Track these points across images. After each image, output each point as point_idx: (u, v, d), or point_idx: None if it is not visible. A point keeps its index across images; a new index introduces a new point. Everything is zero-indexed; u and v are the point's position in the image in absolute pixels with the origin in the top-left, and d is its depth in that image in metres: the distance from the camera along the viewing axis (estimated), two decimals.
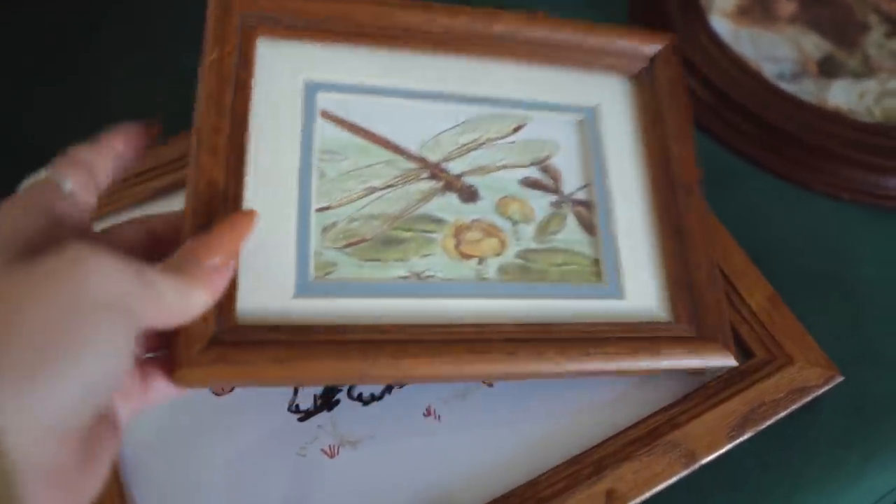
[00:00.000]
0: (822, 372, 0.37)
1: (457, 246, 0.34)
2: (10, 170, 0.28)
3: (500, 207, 0.35)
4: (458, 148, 0.36)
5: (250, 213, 0.28)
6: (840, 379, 0.36)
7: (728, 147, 0.48)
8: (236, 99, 0.31)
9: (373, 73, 0.35)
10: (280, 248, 0.31)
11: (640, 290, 0.35)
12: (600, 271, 0.35)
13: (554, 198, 0.36)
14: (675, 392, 0.36)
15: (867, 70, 0.51)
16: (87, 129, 0.28)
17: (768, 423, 0.35)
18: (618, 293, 0.35)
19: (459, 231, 0.34)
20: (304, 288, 0.30)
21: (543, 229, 0.35)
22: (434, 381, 0.34)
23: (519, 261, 0.34)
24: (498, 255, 0.34)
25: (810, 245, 0.44)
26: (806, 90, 0.49)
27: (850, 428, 0.37)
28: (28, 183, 0.25)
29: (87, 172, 0.26)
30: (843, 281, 0.43)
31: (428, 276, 0.33)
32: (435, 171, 0.35)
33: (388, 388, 0.36)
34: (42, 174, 0.26)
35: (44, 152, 0.27)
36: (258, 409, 0.35)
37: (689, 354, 0.33)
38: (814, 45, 0.51)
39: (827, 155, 0.46)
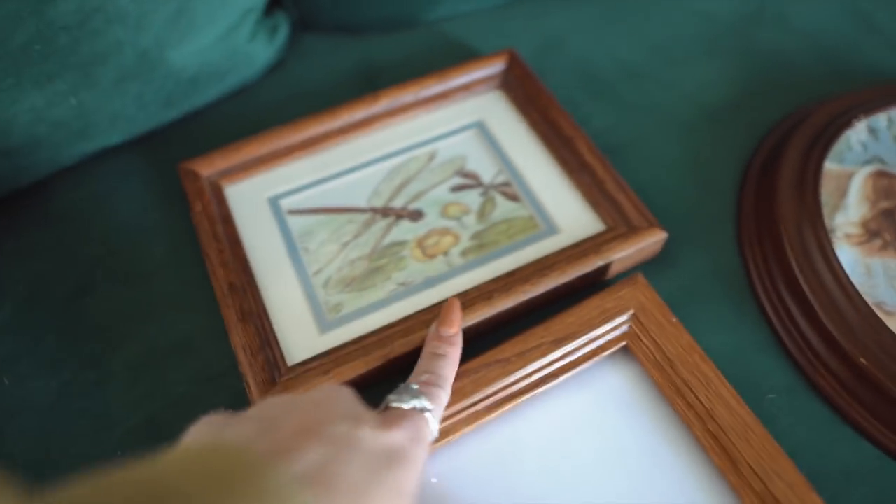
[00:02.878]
0: None
1: (424, 252, 0.43)
2: None
3: (443, 213, 0.45)
4: (395, 190, 0.46)
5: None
6: None
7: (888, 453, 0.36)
8: (226, 228, 0.43)
9: (311, 173, 0.46)
10: (299, 309, 0.40)
11: (571, 220, 0.44)
12: (536, 223, 0.44)
13: (480, 190, 0.46)
14: None
15: None
16: None
17: None
18: (554, 230, 0.43)
19: (421, 242, 0.44)
20: (325, 327, 0.40)
21: (482, 214, 0.45)
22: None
23: (473, 242, 0.43)
24: (456, 245, 0.43)
25: None
26: None
27: None
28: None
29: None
30: None
31: (410, 282, 0.42)
32: (384, 211, 0.45)
33: None
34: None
35: None
36: None
37: (628, 244, 0.41)
38: None
39: None
